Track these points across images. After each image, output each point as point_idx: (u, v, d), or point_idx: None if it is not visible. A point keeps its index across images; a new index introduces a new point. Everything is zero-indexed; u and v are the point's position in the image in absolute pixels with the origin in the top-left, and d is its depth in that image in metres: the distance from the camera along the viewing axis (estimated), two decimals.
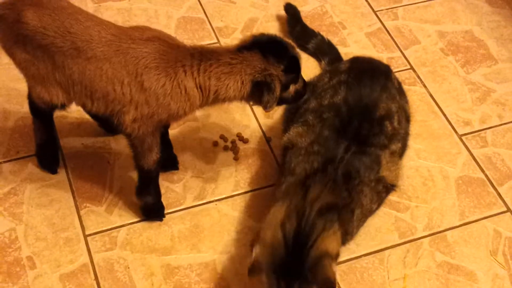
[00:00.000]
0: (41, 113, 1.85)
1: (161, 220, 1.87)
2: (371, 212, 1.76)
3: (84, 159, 1.99)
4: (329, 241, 1.54)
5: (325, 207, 1.57)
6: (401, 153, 1.85)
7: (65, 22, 1.60)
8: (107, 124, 2.02)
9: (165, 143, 1.89)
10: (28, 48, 1.62)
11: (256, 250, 1.52)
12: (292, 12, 2.37)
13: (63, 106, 1.72)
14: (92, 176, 1.96)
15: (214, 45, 2.31)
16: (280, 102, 1.70)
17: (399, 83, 1.94)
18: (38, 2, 1.62)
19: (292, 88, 1.70)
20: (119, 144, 2.03)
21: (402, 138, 1.83)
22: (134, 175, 1.91)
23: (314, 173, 1.64)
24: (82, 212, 1.88)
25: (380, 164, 1.71)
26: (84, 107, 1.69)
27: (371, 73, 1.82)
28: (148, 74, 1.59)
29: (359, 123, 1.71)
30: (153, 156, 1.74)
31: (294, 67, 1.66)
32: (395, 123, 1.77)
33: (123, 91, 1.61)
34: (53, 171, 1.94)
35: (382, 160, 1.71)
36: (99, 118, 2.00)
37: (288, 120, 1.95)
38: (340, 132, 1.70)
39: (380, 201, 1.79)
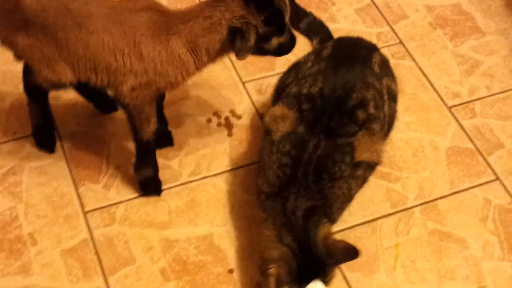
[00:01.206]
0: (37, 94, 1.88)
1: (158, 195, 1.91)
2: (351, 197, 1.78)
3: (80, 138, 2.02)
4: (322, 228, 1.63)
5: (306, 212, 1.64)
6: (385, 132, 1.87)
7: (63, 0, 1.63)
8: (101, 103, 2.05)
9: (161, 119, 1.93)
10: (31, 32, 1.65)
11: (273, 271, 1.59)
12: None
13: (70, 85, 1.75)
14: (89, 155, 1.99)
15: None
16: (260, 52, 1.71)
17: (384, 63, 1.94)
18: None
19: (275, 40, 1.70)
20: (114, 123, 2.06)
21: (382, 120, 1.83)
22: (130, 152, 1.95)
23: (287, 182, 1.68)
24: (80, 190, 1.92)
25: (353, 151, 1.71)
26: (89, 81, 1.72)
27: (349, 61, 1.83)
28: (145, 43, 1.64)
29: (329, 116, 1.72)
30: (151, 127, 1.78)
31: (276, 19, 1.66)
32: (371, 109, 1.77)
33: (124, 60, 1.65)
34: (51, 150, 1.98)
35: (356, 146, 1.72)
36: (93, 97, 2.03)
37: (276, 100, 1.97)
38: (312, 129, 1.71)
39: (362, 182, 1.81)
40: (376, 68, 1.88)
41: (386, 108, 1.85)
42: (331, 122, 1.72)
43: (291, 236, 1.62)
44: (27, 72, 1.84)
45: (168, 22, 1.66)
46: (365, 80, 1.81)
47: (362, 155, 1.73)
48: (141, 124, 1.77)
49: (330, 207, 1.69)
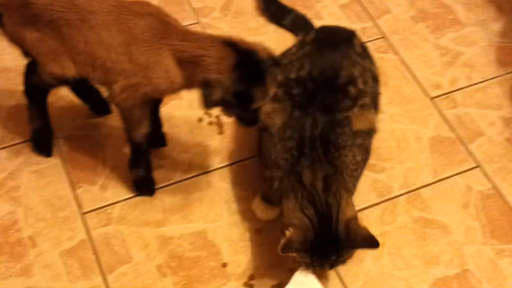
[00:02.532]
0: (38, 95, 1.95)
1: (151, 195, 1.99)
2: (359, 163, 1.84)
3: (76, 142, 2.09)
4: (348, 210, 1.68)
5: (325, 184, 1.69)
6: (374, 106, 1.94)
7: None
8: (96, 105, 2.12)
9: (156, 121, 2.00)
10: (38, 26, 1.73)
11: (290, 231, 1.65)
12: None
13: (74, 79, 1.80)
14: (85, 157, 2.06)
15: (195, 25, 2.40)
16: (225, 108, 1.74)
17: (363, 47, 2.01)
18: None
19: (237, 110, 1.72)
20: (109, 125, 2.13)
21: (370, 95, 1.91)
22: (126, 154, 2.02)
23: (298, 160, 1.74)
24: (77, 192, 1.99)
25: (350, 123, 1.79)
26: (88, 76, 1.78)
27: (333, 43, 1.90)
28: (136, 45, 1.68)
29: (322, 95, 1.79)
30: (141, 129, 1.84)
31: (245, 99, 1.67)
32: (360, 85, 1.85)
33: (117, 59, 1.70)
34: (48, 154, 2.05)
35: (352, 118, 1.79)
36: (89, 99, 2.11)
37: None
38: (307, 110, 1.77)
39: (365, 148, 1.87)
40: (358, 48, 1.96)
41: (370, 84, 1.92)
42: (326, 100, 1.78)
43: (313, 209, 1.66)
44: (30, 71, 1.90)
45: (166, 32, 1.69)
46: (350, 58, 1.88)
47: (357, 125, 1.81)
48: (132, 126, 1.84)
49: (341, 174, 1.75)
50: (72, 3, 1.70)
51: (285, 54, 1.99)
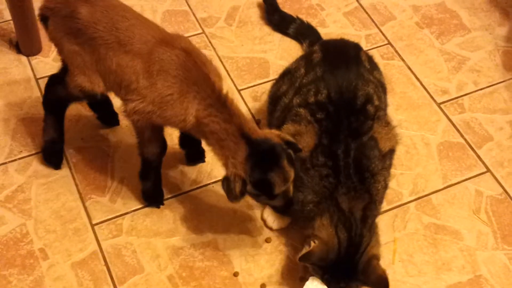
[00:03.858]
0: (57, 108, 1.97)
1: (158, 207, 1.98)
2: (387, 187, 1.88)
3: (85, 153, 2.10)
4: (375, 247, 1.74)
5: (363, 214, 1.74)
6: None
7: (113, 18, 1.74)
8: (105, 115, 2.13)
9: (191, 139, 1.98)
10: (78, 41, 1.76)
11: (315, 243, 1.68)
12: (269, 2, 2.47)
13: (102, 95, 1.84)
14: (94, 169, 2.06)
15: (200, 35, 2.41)
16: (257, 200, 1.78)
17: (369, 59, 2.02)
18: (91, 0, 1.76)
19: (264, 200, 1.74)
20: (117, 136, 2.13)
21: (384, 109, 1.94)
22: (134, 165, 2.02)
23: (335, 187, 1.76)
24: (87, 203, 1.99)
25: (378, 144, 1.81)
26: (113, 92, 1.83)
27: (343, 62, 1.90)
28: (165, 77, 1.69)
29: (347, 119, 1.80)
30: (153, 149, 1.86)
31: (265, 187, 1.68)
32: (376, 102, 1.87)
33: (143, 83, 1.72)
34: (57, 166, 2.05)
35: (378, 139, 1.82)
36: (99, 108, 2.11)
37: (271, 112, 2.02)
38: (336, 136, 1.79)
39: (390, 169, 1.90)
40: (366, 64, 1.97)
41: (383, 98, 1.95)
42: (352, 124, 1.80)
43: (347, 234, 1.70)
44: (55, 82, 1.92)
45: (199, 79, 1.69)
46: (363, 76, 1.89)
47: (386, 145, 1.84)
48: (143, 144, 1.86)
49: (375, 203, 1.79)
50: (115, 26, 1.73)
51: (293, 74, 1.99)
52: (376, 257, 1.72)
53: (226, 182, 1.68)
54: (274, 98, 2.03)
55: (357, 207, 1.74)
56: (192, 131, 1.77)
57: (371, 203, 1.77)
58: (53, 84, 1.94)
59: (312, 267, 1.73)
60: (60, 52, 1.85)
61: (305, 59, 2.02)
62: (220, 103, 1.68)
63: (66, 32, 1.78)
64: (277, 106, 1.97)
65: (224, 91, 1.71)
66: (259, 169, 1.65)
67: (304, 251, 1.69)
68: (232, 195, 1.67)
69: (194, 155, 2.07)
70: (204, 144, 1.93)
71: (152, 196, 1.99)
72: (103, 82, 1.80)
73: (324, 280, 1.71)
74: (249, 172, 1.65)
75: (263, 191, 1.70)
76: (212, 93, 1.69)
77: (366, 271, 1.69)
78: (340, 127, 1.79)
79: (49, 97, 1.96)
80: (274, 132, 1.71)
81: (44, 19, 1.82)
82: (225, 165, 1.69)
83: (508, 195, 2.05)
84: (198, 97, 1.69)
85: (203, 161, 2.08)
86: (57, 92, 1.92)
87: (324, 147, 1.79)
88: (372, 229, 1.76)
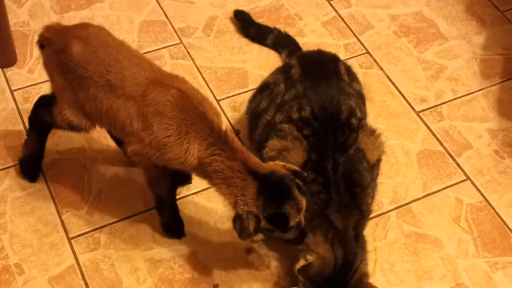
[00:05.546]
0: (42, 129, 1.93)
1: (179, 238, 1.93)
2: (373, 198, 1.89)
3: (61, 166, 2.06)
4: (366, 267, 1.77)
5: (355, 232, 1.76)
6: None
7: (105, 59, 1.69)
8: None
9: None
10: (68, 77, 1.73)
11: (313, 257, 1.69)
12: (242, 18, 2.46)
13: (86, 130, 1.81)
14: (71, 182, 2.03)
15: (178, 45, 2.39)
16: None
17: (347, 69, 2.02)
18: (86, 37, 1.72)
19: (278, 234, 1.70)
20: (94, 149, 2.10)
21: (365, 119, 1.95)
22: (111, 177, 1.99)
23: (326, 204, 1.76)
24: (64, 217, 1.96)
25: (365, 155, 1.82)
26: (108, 131, 1.80)
27: (323, 77, 1.90)
28: (160, 119, 1.65)
29: (334, 134, 1.80)
30: (162, 186, 1.83)
31: (280, 221, 1.64)
32: (359, 114, 1.87)
33: (138, 126, 1.67)
34: (33, 179, 2.02)
35: (365, 150, 1.83)
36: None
37: (253, 128, 2.00)
38: (324, 152, 1.78)
39: (377, 178, 1.92)
40: (346, 77, 1.97)
41: (363, 109, 1.96)
42: (338, 138, 1.80)
43: (343, 252, 1.71)
44: (43, 105, 1.88)
45: (197, 119, 1.65)
46: (344, 90, 1.90)
47: (374, 154, 1.85)
48: (150, 182, 1.83)
49: (364, 218, 1.81)
50: (106, 68, 1.69)
51: (273, 90, 1.97)
52: (366, 276, 1.74)
53: (238, 221, 1.62)
54: (254, 114, 2.01)
55: (350, 225, 1.75)
56: (195, 172, 1.73)
57: (361, 219, 1.78)
58: (41, 108, 1.89)
59: (304, 282, 1.71)
60: (51, 82, 1.81)
61: (284, 73, 2.00)
62: (221, 142, 1.65)
63: (58, 66, 1.74)
64: (259, 123, 1.96)
65: (224, 128, 1.67)
66: (272, 203, 1.62)
67: (301, 263, 1.69)
68: (245, 234, 1.62)
69: (183, 177, 2.00)
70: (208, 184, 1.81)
71: (171, 228, 1.94)
72: (95, 121, 1.77)
73: None
74: (262, 208, 1.62)
75: (278, 225, 1.66)
76: (211, 132, 1.65)
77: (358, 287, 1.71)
78: (327, 143, 1.79)
79: (35, 117, 1.92)
80: (279, 163, 1.68)
81: (41, 46, 1.79)
82: (234, 203, 1.64)
83: (488, 202, 2.05)
84: (198, 138, 1.65)
85: (190, 182, 2.04)
86: (43, 117, 1.88)
87: (313, 163, 1.78)
88: (363, 247, 1.77)
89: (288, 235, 1.70)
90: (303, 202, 1.65)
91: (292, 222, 1.65)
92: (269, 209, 1.62)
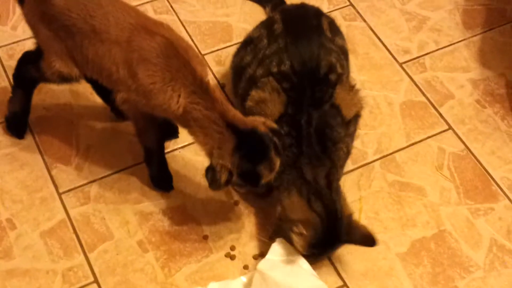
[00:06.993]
0: (27, 84, 1.93)
1: (168, 191, 1.96)
2: (349, 153, 1.91)
3: (48, 122, 2.07)
4: (346, 207, 1.78)
5: (327, 181, 1.77)
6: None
7: (88, 5, 1.69)
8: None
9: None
10: (52, 27, 1.72)
11: (300, 229, 1.71)
12: None
13: (76, 79, 1.81)
14: (59, 138, 2.04)
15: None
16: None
17: (331, 24, 2.02)
18: None
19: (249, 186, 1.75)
20: (81, 105, 2.11)
21: (347, 75, 1.96)
22: (99, 132, 2.01)
23: (297, 157, 1.78)
24: (53, 172, 1.98)
25: (341, 111, 1.83)
26: (96, 80, 1.79)
27: (305, 33, 1.91)
28: (145, 66, 1.65)
29: (311, 89, 1.81)
30: (150, 136, 1.85)
31: (252, 178, 1.67)
32: (339, 70, 1.88)
33: (124, 73, 1.68)
34: (21, 136, 2.03)
35: (342, 106, 1.83)
36: (109, 102, 2.05)
37: (236, 83, 2.01)
38: (300, 106, 1.80)
39: (354, 136, 1.93)
40: (328, 33, 1.98)
41: (345, 65, 1.96)
42: (315, 94, 1.81)
43: (321, 203, 1.73)
44: (28, 61, 1.88)
45: (181, 67, 1.65)
46: (325, 46, 1.90)
47: (351, 111, 1.86)
48: (138, 132, 1.85)
49: (336, 168, 1.82)
50: (89, 13, 1.68)
51: (256, 45, 1.97)
52: (352, 215, 1.77)
53: (211, 172, 1.65)
54: (238, 69, 2.01)
55: (320, 175, 1.76)
56: (179, 122, 1.75)
57: (332, 168, 1.79)
58: (26, 63, 1.89)
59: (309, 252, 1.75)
60: (36, 36, 1.80)
61: (267, 29, 2.00)
62: (202, 90, 1.65)
63: (41, 17, 1.73)
64: (242, 77, 1.96)
65: (207, 78, 1.68)
66: (248, 161, 1.65)
67: (295, 238, 1.71)
68: (216, 185, 1.66)
69: (169, 131, 2.02)
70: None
71: (160, 181, 1.96)
72: (83, 70, 1.76)
73: (312, 253, 1.74)
74: (236, 164, 1.64)
75: (249, 182, 1.70)
76: (194, 80, 1.65)
77: (350, 232, 1.74)
78: (304, 97, 1.80)
79: (20, 74, 1.92)
80: (260, 119, 1.69)
81: (20, 1, 1.77)
82: (209, 154, 1.67)
83: (470, 151, 2.09)
84: (182, 85, 1.65)
85: (177, 136, 2.05)
86: (29, 73, 1.87)
87: (289, 117, 1.80)
88: (338, 192, 1.78)
89: (257, 189, 1.77)
90: (278, 163, 1.68)
91: (264, 181, 1.68)
92: (243, 167, 1.65)
